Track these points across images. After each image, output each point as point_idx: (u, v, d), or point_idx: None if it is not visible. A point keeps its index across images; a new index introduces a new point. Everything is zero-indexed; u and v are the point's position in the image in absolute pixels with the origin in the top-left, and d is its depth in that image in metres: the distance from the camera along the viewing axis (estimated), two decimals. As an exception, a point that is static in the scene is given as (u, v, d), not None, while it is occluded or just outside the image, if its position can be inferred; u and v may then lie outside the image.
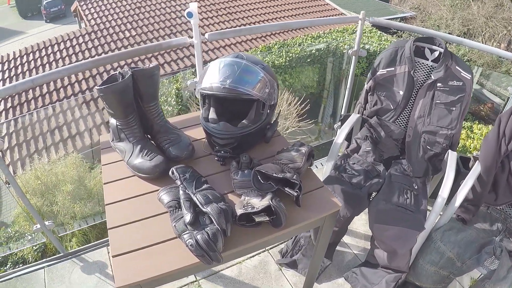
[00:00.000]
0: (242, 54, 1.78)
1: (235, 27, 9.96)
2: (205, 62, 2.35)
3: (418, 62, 2.57)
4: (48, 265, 2.79)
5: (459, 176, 2.42)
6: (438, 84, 2.46)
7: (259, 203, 1.48)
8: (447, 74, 2.45)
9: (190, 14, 2.26)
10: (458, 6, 13.21)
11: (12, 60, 9.21)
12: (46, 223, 2.69)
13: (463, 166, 3.08)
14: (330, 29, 8.61)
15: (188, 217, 1.43)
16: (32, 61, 9.03)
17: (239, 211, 1.46)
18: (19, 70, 8.83)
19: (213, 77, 1.71)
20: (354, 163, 2.50)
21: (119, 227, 1.53)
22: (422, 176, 2.58)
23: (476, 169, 2.34)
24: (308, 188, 1.71)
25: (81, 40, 9.39)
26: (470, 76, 2.46)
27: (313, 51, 7.27)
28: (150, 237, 1.49)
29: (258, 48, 7.71)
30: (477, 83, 9.21)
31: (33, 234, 3.74)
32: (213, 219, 1.41)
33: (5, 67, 9.03)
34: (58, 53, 9.11)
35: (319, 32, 8.37)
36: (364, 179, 2.38)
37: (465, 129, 5.45)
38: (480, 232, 2.34)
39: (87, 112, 6.94)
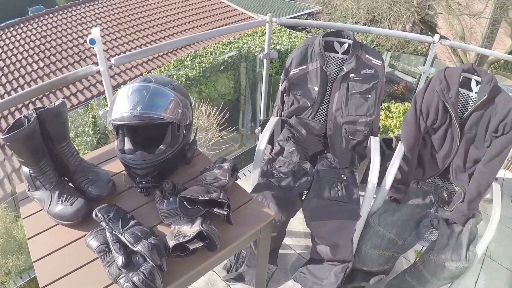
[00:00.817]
0: (150, 77, 1.72)
1: (145, 44, 9.81)
2: (118, 85, 2.29)
3: (329, 56, 2.61)
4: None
5: (384, 158, 2.47)
6: (351, 75, 2.51)
7: (189, 230, 1.44)
8: (359, 64, 2.50)
9: (92, 41, 2.16)
10: (362, -6, 13.57)
11: None
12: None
13: (387, 147, 3.15)
14: (240, 34, 8.62)
15: (120, 260, 1.36)
16: None
17: (171, 243, 1.41)
18: None
19: (122, 106, 1.64)
20: (280, 166, 2.49)
21: (52, 283, 1.43)
22: (349, 166, 2.62)
23: (400, 150, 2.42)
24: (238, 203, 1.68)
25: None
26: (381, 62, 2.53)
27: (225, 59, 7.26)
28: None
29: (171, 63, 7.61)
30: (388, 65, 9.53)
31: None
32: (146, 257, 1.34)
33: None
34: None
35: (230, 38, 8.36)
36: (293, 180, 2.37)
37: (383, 110, 5.60)
38: (415, 208, 2.42)
39: (3, 157, 6.63)
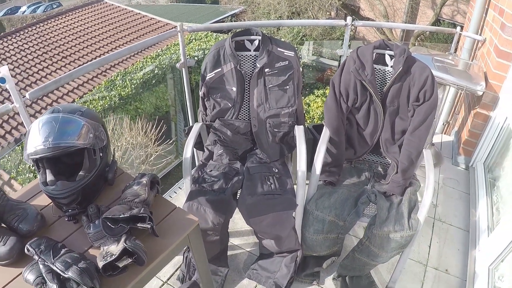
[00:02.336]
0: (58, 107, 1.74)
1: (72, 69, 9.62)
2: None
3: (242, 55, 2.65)
4: None
5: (317, 144, 2.50)
6: (266, 70, 2.55)
7: (115, 248, 1.48)
8: (271, 58, 2.54)
9: (2, 80, 2.13)
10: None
11: None
12: None
13: (320, 133, 3.18)
14: (168, 45, 8.61)
15: None
16: None
17: (100, 264, 1.45)
18: None
19: (35, 139, 1.65)
20: (211, 170, 2.53)
21: None
22: (279, 158, 2.67)
23: (325, 133, 2.49)
24: (163, 214, 1.73)
25: None
26: (294, 52, 2.58)
27: (149, 73, 7.24)
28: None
29: (101, 85, 7.55)
30: (313, 54, 9.67)
31: None
32: (78, 282, 1.38)
33: None
34: None
35: (157, 51, 8.34)
36: (224, 182, 2.40)
37: (319, 97, 5.68)
38: (351, 187, 2.49)
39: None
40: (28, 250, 1.57)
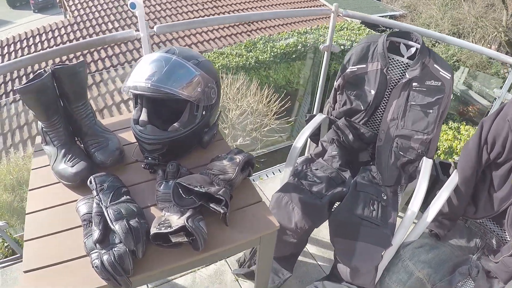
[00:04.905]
0: (175, 49, 1.61)
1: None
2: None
3: (393, 59, 2.36)
4: (2, 267, 2.63)
5: (438, 184, 2.23)
6: (414, 84, 2.25)
7: (176, 221, 1.31)
8: (424, 72, 2.23)
9: (133, 5, 2.05)
10: (449, 5, 13.12)
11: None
12: (0, 223, 2.53)
13: (444, 173, 2.87)
14: (318, 25, 8.45)
15: (95, 234, 1.28)
16: (20, 50, 8.87)
17: (153, 230, 1.29)
18: (2, 61, 8.59)
19: (138, 74, 1.54)
20: (317, 169, 2.33)
21: (35, 239, 1.39)
22: (393, 185, 2.39)
23: (453, 179, 2.15)
24: (243, 203, 1.53)
25: (63, 31, 9.17)
26: (450, 75, 2.24)
27: (292, 46, 7.15)
28: (63, 253, 1.33)
29: (243, 43, 7.55)
30: (463, 83, 9.06)
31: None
32: (121, 239, 1.24)
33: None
34: (39, 44, 8.91)
35: (306, 28, 8.22)
36: (326, 187, 2.19)
37: (452, 130, 5.31)
38: (456, 249, 2.14)
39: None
40: (90, 182, 1.48)
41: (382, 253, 2.01)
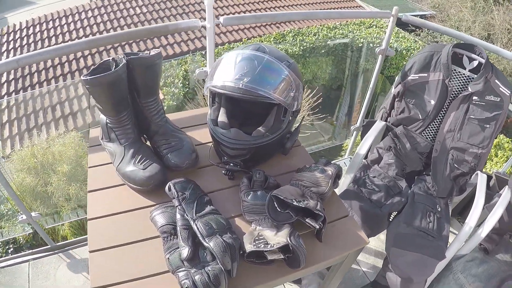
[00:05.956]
0: (264, 47, 1.49)
1: (249, 11, 9.61)
2: (215, 45, 2.09)
3: (454, 70, 2.33)
4: (33, 259, 2.57)
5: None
6: (474, 98, 2.21)
7: (274, 238, 1.21)
8: (485, 87, 2.20)
9: None
10: (480, 9, 12.91)
11: (18, 31, 8.93)
12: (33, 214, 2.44)
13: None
14: (347, 21, 8.35)
15: (185, 251, 1.16)
16: (39, 33, 8.75)
17: (248, 247, 1.19)
18: (25, 42, 8.56)
19: (227, 73, 1.43)
20: (374, 176, 2.29)
21: (102, 250, 1.27)
22: (446, 196, 2.36)
23: (506, 196, 2.13)
24: (331, 217, 1.44)
25: (90, 14, 9.08)
26: (510, 92, 2.22)
27: (330, 45, 7.07)
28: (138, 268, 1.22)
29: (272, 35, 7.46)
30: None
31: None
32: (216, 258, 1.13)
33: (11, 37, 8.75)
34: (65, 26, 8.80)
35: (335, 23, 8.13)
36: (385, 196, 2.17)
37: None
38: (502, 264, 2.15)
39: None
40: (170, 189, 1.36)
41: (436, 265, 1.99)
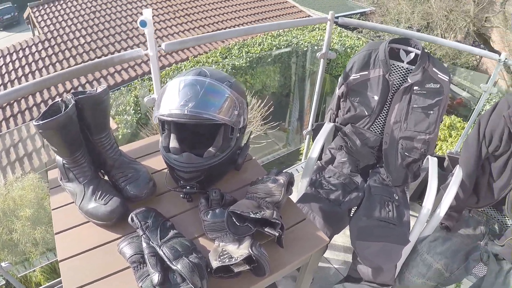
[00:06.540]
0: (205, 70, 1.54)
1: (193, 29, 9.68)
2: (162, 67, 2.13)
3: (393, 64, 2.43)
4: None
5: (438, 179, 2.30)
6: (415, 88, 2.33)
7: (237, 251, 1.27)
8: (424, 76, 2.32)
9: (143, 23, 1.96)
10: (417, 0, 13.28)
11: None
12: (3, 264, 2.39)
13: (439, 165, 2.95)
14: (290, 29, 8.44)
15: (155, 277, 1.20)
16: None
17: (214, 263, 1.24)
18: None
19: (172, 100, 1.48)
20: (330, 176, 2.36)
21: None
22: (401, 184, 2.47)
23: (458, 174, 2.27)
24: (289, 223, 1.50)
25: (34, 49, 9.00)
26: (448, 77, 2.35)
27: (266, 49, 7.16)
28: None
29: (218, 50, 7.50)
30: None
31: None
32: (186, 278, 1.18)
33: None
34: (10, 64, 8.71)
35: (279, 31, 8.21)
36: (342, 194, 2.24)
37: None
38: (465, 239, 2.30)
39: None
40: (132, 220, 1.40)
41: (402, 250, 2.07)
